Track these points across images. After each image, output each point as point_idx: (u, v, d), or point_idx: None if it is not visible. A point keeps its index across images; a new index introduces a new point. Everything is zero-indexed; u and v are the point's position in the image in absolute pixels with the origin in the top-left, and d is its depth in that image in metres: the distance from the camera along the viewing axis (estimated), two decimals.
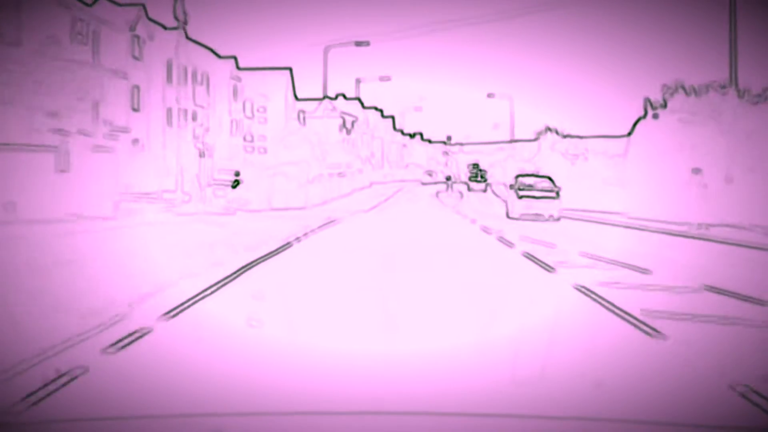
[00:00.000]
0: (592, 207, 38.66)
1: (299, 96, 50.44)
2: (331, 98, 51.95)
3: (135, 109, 43.05)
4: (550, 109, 48.30)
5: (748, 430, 6.98)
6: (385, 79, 50.60)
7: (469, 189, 56.81)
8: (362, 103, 54.22)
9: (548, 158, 48.05)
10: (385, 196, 51.17)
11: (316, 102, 51.48)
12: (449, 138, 59.29)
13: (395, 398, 8.02)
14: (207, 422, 5.52)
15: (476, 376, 9.09)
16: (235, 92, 50.71)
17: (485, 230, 29.43)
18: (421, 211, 40.51)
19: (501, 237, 26.63)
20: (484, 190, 56.23)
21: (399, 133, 60.31)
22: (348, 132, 53.85)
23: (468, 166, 59.17)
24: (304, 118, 52.12)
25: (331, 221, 30.95)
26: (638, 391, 8.48)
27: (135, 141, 42.17)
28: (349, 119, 53.92)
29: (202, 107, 48.51)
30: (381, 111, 57.87)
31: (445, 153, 60.29)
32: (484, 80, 49.00)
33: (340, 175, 52.88)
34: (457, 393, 8.30)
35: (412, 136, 60.79)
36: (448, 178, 59.80)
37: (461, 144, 58.52)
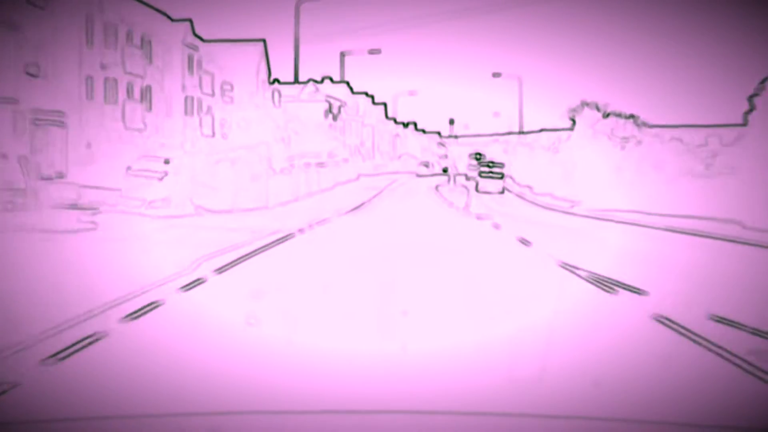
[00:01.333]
0: (691, 211, 23.53)
1: (281, 80, 41.54)
2: (316, 81, 43.35)
3: (32, 75, 30.83)
4: (555, 99, 36.81)
5: (748, 431, 6.13)
6: (374, 52, 41.35)
7: (477, 189, 40.74)
8: (351, 88, 45.31)
9: (586, 142, 34.21)
10: (377, 189, 39.83)
11: (300, 85, 42.36)
12: (452, 121, 46.23)
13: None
14: (204, 421, 5.02)
15: None
16: (190, 63, 39.54)
17: (564, 266, 14.60)
18: (424, 217, 25.75)
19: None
20: (502, 192, 39.86)
21: (392, 122, 50.25)
22: (334, 118, 44.41)
23: (469, 156, 44.85)
24: (279, 99, 41.50)
25: (277, 240, 16.09)
26: None
27: (36, 118, 30.71)
28: (335, 104, 44.45)
29: (139, 77, 36.60)
30: (372, 97, 48.23)
31: (441, 144, 47.76)
32: (484, 68, 39.49)
33: (320, 165, 41.00)
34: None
35: (405, 125, 50.86)
36: (445, 170, 46.42)
37: (455, 137, 46.82)
